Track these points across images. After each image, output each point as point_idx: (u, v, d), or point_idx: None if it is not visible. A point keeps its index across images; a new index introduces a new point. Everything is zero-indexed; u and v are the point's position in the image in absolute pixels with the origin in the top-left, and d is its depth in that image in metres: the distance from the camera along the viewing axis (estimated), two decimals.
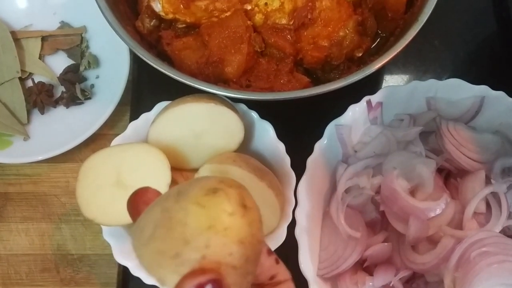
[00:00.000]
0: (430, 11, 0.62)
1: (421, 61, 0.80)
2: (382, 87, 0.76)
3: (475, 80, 0.65)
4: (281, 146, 0.63)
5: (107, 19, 0.62)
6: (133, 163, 0.57)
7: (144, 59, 0.61)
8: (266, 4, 0.65)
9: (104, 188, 0.56)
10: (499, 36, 0.81)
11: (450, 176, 0.64)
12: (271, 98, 0.61)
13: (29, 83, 0.77)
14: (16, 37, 0.78)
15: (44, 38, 0.79)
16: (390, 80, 0.79)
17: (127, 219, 0.56)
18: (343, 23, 0.65)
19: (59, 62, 0.78)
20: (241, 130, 0.61)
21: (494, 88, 0.64)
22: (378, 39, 0.72)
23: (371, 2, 0.68)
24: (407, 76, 0.80)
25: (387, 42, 0.70)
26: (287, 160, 0.62)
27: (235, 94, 0.59)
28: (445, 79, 0.65)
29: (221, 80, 0.65)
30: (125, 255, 0.59)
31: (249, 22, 0.65)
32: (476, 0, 0.83)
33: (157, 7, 0.66)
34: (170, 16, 0.66)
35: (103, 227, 0.59)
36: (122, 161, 0.57)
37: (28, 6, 0.80)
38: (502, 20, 0.81)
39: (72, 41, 0.78)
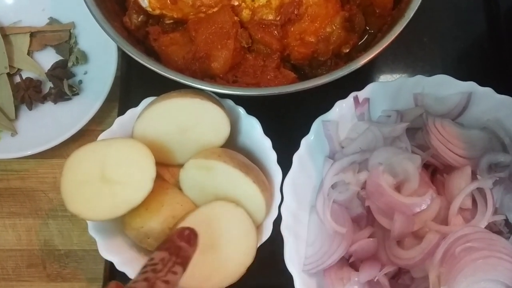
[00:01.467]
0: (417, 7, 0.61)
1: (410, 58, 0.80)
2: None
3: (464, 77, 0.65)
4: (267, 142, 0.63)
5: (93, 15, 0.62)
6: (117, 158, 0.57)
7: (130, 54, 0.61)
8: (253, 0, 0.65)
9: (89, 183, 0.56)
10: (489, 34, 0.81)
11: (436, 172, 0.64)
12: (258, 93, 0.60)
13: (17, 79, 0.77)
14: (5, 33, 0.78)
15: (32, 34, 0.79)
16: (380, 78, 0.79)
17: (112, 213, 0.57)
18: (330, 19, 0.65)
19: (48, 58, 0.78)
20: (227, 125, 0.61)
21: (484, 85, 0.64)
22: (366, 36, 0.71)
23: None
24: (397, 73, 0.79)
25: (375, 38, 0.70)
26: (273, 156, 0.62)
27: (222, 90, 0.59)
28: None
29: (208, 76, 0.64)
30: (110, 250, 0.59)
31: (236, 18, 0.65)
32: None
33: (144, 2, 0.66)
34: (157, 11, 0.66)
35: (88, 222, 0.59)
36: (107, 155, 0.57)
37: (16, 2, 0.80)
38: (492, 18, 0.81)
39: (61, 37, 0.78)
